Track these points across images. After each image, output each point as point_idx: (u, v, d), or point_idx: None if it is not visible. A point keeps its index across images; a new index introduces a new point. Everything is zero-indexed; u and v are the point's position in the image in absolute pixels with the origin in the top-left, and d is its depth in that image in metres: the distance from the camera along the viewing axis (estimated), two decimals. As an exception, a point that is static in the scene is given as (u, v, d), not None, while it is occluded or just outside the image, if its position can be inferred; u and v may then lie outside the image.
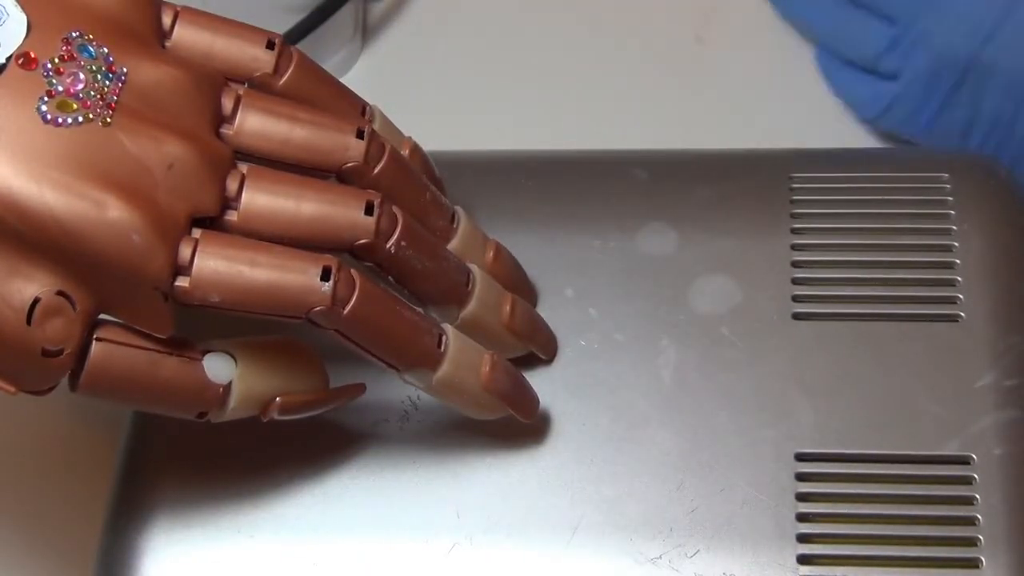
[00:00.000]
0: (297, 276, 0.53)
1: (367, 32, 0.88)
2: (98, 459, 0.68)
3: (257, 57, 0.58)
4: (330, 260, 0.54)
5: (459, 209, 0.62)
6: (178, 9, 0.58)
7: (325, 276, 0.53)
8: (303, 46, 0.82)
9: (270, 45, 0.58)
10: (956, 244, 0.65)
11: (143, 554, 0.60)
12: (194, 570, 0.60)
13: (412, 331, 0.56)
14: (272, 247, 0.54)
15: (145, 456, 0.63)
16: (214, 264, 0.53)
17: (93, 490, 0.65)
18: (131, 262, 0.52)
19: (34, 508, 0.71)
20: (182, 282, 0.53)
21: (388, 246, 0.57)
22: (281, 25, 0.81)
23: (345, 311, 0.54)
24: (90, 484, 0.68)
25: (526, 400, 0.60)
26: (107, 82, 0.53)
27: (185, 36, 0.57)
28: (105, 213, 0.51)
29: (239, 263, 0.53)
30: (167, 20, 0.57)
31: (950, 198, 0.66)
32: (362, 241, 0.56)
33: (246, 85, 0.58)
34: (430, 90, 0.84)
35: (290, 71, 0.59)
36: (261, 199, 0.55)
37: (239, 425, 0.59)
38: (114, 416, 0.66)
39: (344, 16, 0.84)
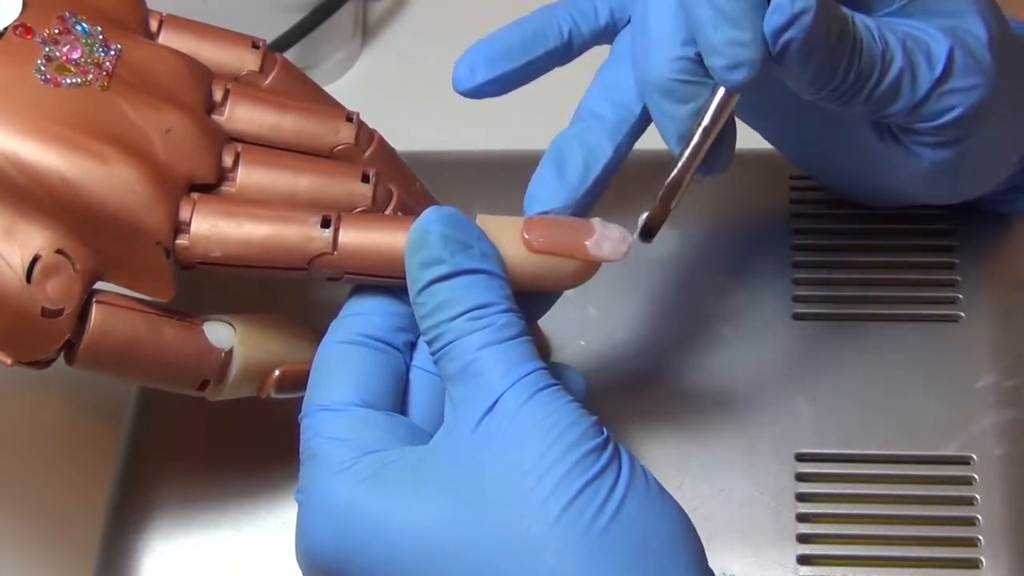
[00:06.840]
0: (297, 225, 0.53)
1: (367, 32, 0.88)
2: (99, 455, 0.68)
3: (243, 57, 0.59)
4: (329, 211, 0.54)
5: None
6: (163, 16, 0.58)
7: (325, 225, 0.53)
8: (303, 46, 0.82)
9: (255, 47, 0.59)
10: (956, 244, 0.65)
11: (143, 553, 0.60)
12: (194, 569, 0.60)
13: None
14: (271, 203, 0.54)
15: (145, 456, 0.63)
16: (213, 219, 0.53)
17: (94, 488, 0.65)
18: (132, 213, 0.52)
19: (36, 505, 0.71)
20: (183, 239, 0.53)
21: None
22: (281, 25, 0.81)
23: (341, 241, 0.53)
24: (91, 482, 0.68)
25: (578, 238, 0.54)
26: (102, 53, 0.54)
27: (171, 41, 0.58)
28: (106, 165, 0.52)
29: (238, 216, 0.53)
30: (153, 25, 0.58)
31: (950, 198, 0.66)
32: (359, 209, 0.56)
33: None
34: (430, 90, 0.84)
35: (275, 72, 0.59)
36: (258, 171, 0.55)
37: (239, 424, 0.59)
38: (114, 411, 0.66)
39: (344, 16, 0.84)
